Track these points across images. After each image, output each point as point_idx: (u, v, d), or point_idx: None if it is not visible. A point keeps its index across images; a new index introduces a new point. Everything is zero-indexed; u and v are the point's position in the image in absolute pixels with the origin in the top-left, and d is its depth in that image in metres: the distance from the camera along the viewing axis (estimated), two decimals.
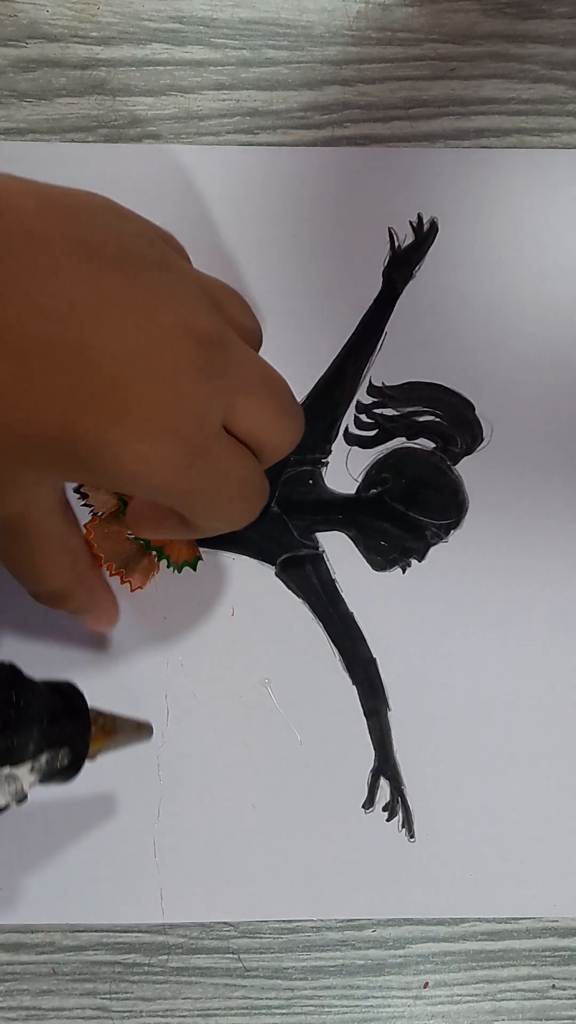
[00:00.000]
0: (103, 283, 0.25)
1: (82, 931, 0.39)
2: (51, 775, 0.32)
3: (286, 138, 0.41)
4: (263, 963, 0.39)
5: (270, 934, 0.39)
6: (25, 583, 0.32)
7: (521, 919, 0.40)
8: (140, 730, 0.36)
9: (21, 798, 0.31)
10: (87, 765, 0.33)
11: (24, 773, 0.31)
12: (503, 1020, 0.39)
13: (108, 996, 0.39)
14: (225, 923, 0.39)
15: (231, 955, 0.39)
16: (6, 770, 0.31)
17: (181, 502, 0.29)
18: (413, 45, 0.41)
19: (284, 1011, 0.39)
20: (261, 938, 0.39)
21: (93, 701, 0.33)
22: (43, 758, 0.31)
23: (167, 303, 0.27)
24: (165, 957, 0.39)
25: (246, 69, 0.41)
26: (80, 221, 0.26)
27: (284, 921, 0.39)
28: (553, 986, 0.40)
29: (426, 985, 0.39)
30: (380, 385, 0.40)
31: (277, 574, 0.40)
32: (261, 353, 0.31)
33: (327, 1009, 0.39)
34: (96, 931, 0.39)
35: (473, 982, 0.39)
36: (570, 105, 0.42)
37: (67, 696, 0.33)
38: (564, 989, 0.40)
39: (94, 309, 0.25)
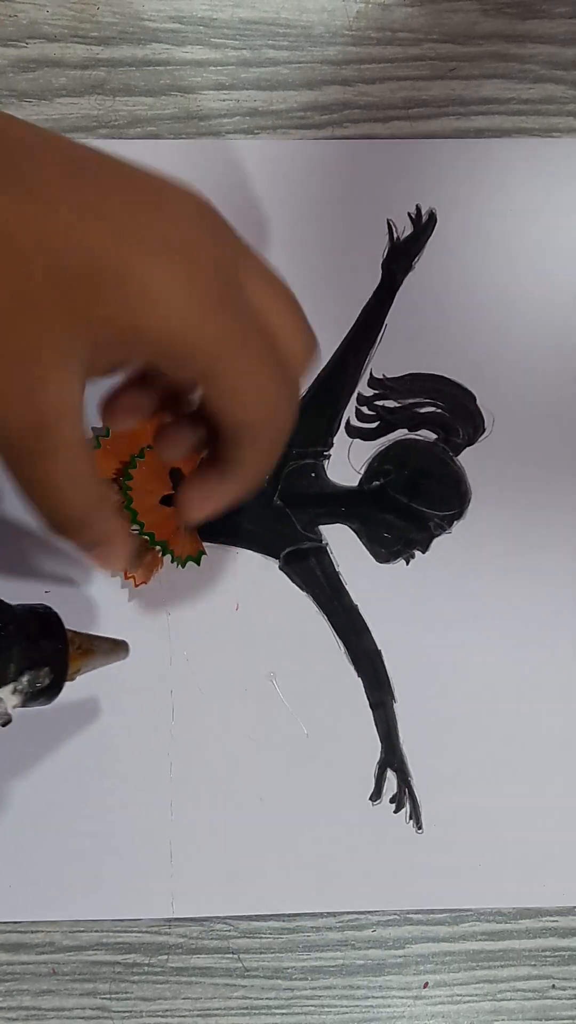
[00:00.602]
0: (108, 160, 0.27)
1: (82, 931, 0.39)
2: (33, 696, 0.33)
3: (286, 138, 0.41)
4: (263, 963, 0.39)
5: (270, 934, 0.39)
6: (43, 507, 0.31)
7: (521, 919, 0.40)
8: (116, 648, 0.37)
9: (6, 720, 0.32)
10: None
11: (7, 695, 0.32)
12: (503, 1020, 0.39)
13: (108, 996, 0.39)
14: (225, 924, 0.39)
15: (231, 955, 0.39)
16: None
17: (210, 363, 0.28)
18: (413, 45, 0.41)
19: (284, 1011, 0.39)
20: (261, 938, 0.39)
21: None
22: (24, 679, 0.32)
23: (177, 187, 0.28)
24: (165, 957, 0.39)
25: (246, 69, 0.41)
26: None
27: (284, 920, 0.39)
28: (553, 986, 0.40)
29: (426, 985, 0.39)
30: (381, 377, 0.40)
31: (281, 567, 0.40)
32: None
33: (327, 1009, 0.39)
34: (96, 931, 0.39)
35: (473, 982, 0.39)
36: (570, 105, 0.42)
37: (43, 618, 0.34)
38: (564, 989, 0.40)
39: (105, 162, 0.27)
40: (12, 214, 0.25)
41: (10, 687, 0.32)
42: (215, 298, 0.27)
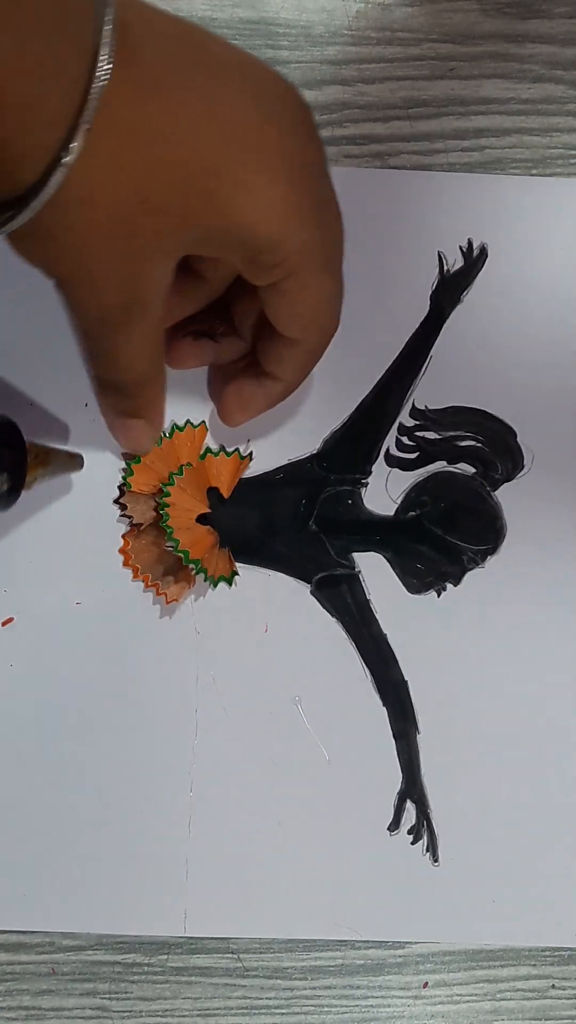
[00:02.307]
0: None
1: (81, 931, 0.39)
2: None
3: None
4: (263, 963, 0.39)
5: None
6: (107, 368, 0.32)
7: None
8: (71, 460, 0.38)
9: None
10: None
11: None
12: (503, 1020, 0.39)
13: (108, 996, 0.39)
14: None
15: (231, 955, 0.39)
16: None
17: (293, 269, 0.29)
18: (413, 45, 0.41)
19: (284, 1011, 0.39)
20: (261, 938, 0.39)
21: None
22: None
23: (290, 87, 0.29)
24: (165, 957, 0.39)
25: None
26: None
27: None
28: (553, 986, 0.40)
29: (426, 985, 0.39)
30: (423, 408, 0.40)
31: (312, 592, 0.40)
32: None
33: (327, 1009, 0.39)
34: (96, 931, 0.39)
35: (473, 982, 0.39)
36: (570, 105, 0.42)
37: (3, 428, 0.34)
38: (564, 989, 0.40)
39: (211, 51, 0.27)
40: (139, 112, 0.25)
41: None
42: (310, 205, 0.29)
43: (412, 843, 0.39)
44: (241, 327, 0.36)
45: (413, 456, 0.40)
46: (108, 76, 0.24)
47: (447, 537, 0.40)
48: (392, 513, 0.40)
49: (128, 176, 0.26)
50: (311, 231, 0.29)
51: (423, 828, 0.39)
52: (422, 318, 0.40)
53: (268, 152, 0.28)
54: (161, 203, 0.26)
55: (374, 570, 0.40)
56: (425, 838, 0.39)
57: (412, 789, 0.39)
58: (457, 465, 0.40)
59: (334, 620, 0.40)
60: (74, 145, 0.24)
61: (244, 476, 0.40)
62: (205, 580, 0.39)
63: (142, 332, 0.30)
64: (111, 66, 0.24)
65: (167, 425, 0.40)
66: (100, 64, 0.24)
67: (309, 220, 0.29)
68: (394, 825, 0.39)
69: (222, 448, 0.40)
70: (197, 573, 0.39)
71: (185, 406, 0.40)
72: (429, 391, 0.40)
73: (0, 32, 0.22)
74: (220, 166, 0.27)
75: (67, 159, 0.24)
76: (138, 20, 0.25)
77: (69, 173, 0.24)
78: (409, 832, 0.39)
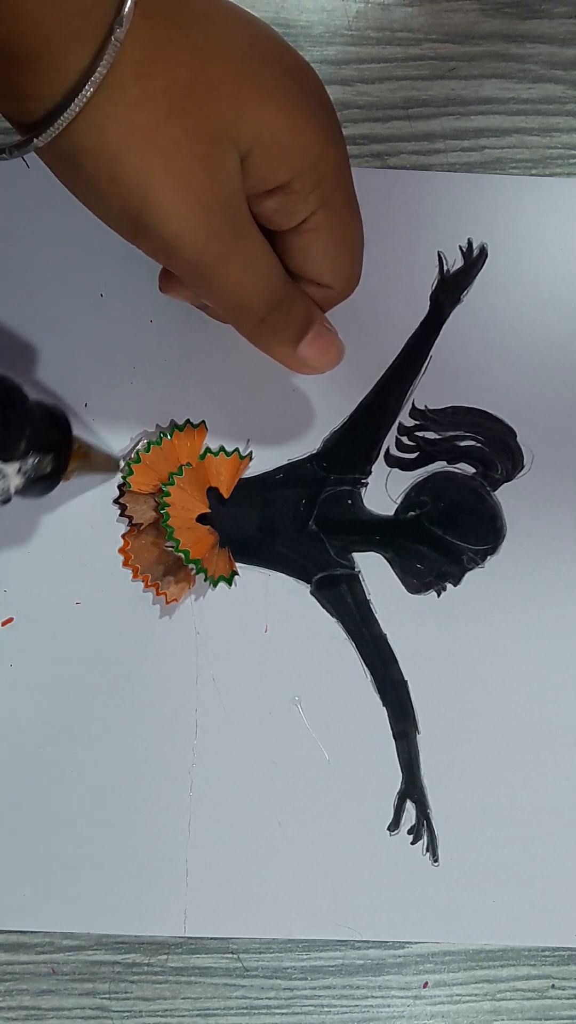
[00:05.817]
0: None
1: (81, 931, 0.39)
2: (33, 482, 0.34)
3: None
4: (263, 963, 0.39)
5: None
6: (254, 278, 0.30)
7: None
8: (109, 462, 0.39)
9: (5, 499, 0.33)
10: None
11: (12, 472, 0.33)
12: (503, 1020, 0.39)
13: (108, 996, 0.39)
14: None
15: (231, 955, 0.39)
16: None
17: (337, 166, 0.30)
18: (413, 45, 0.41)
19: (284, 1011, 0.39)
20: (261, 938, 0.39)
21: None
22: (30, 461, 0.33)
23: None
24: (164, 957, 0.39)
25: None
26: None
27: None
28: (553, 986, 0.40)
29: (425, 985, 0.39)
30: (423, 408, 0.40)
31: (312, 592, 0.40)
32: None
33: (327, 1009, 0.39)
34: (95, 931, 0.39)
35: (473, 982, 0.39)
36: (570, 105, 0.42)
37: (53, 412, 0.35)
38: (564, 989, 0.40)
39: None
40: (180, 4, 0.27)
41: (16, 465, 0.33)
42: (338, 131, 0.30)
43: (412, 843, 0.39)
44: None
45: (413, 456, 0.40)
46: None
47: (447, 537, 0.40)
48: (392, 513, 0.40)
49: (177, 52, 0.26)
50: (342, 154, 0.30)
51: (423, 828, 0.39)
52: (422, 318, 0.40)
53: (301, 72, 0.29)
54: (213, 78, 0.27)
55: (374, 570, 0.40)
56: (425, 838, 0.39)
57: (412, 789, 0.39)
58: (457, 465, 0.40)
59: (334, 620, 0.40)
60: (125, 14, 0.25)
61: (244, 476, 0.40)
62: (205, 580, 0.39)
63: (253, 231, 0.30)
64: None
65: (167, 425, 0.40)
66: None
67: (340, 143, 0.30)
68: (394, 825, 0.39)
69: (222, 448, 0.40)
70: (197, 573, 0.39)
71: (185, 406, 0.40)
72: (429, 391, 0.40)
73: None
74: (257, 71, 0.28)
75: (119, 32, 0.25)
76: None
77: (122, 49, 0.25)
78: (409, 832, 0.39)
